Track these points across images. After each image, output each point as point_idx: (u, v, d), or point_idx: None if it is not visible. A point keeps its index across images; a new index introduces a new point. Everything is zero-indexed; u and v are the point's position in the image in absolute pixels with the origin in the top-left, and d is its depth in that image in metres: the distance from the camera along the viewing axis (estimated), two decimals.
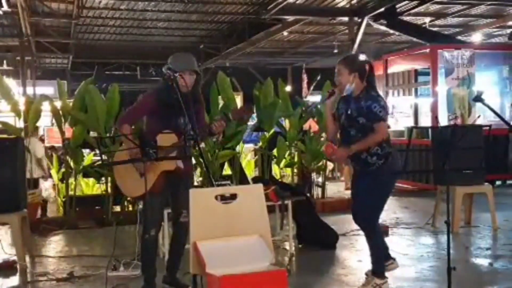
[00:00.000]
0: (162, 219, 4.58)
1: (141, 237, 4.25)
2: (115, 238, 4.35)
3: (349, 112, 4.18)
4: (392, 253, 4.47)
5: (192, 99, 4.14)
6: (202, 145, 4.48)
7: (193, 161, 7.52)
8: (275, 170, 8.77)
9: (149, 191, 3.97)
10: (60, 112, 7.49)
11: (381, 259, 4.26)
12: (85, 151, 8.27)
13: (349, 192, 4.96)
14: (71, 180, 7.50)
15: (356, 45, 10.81)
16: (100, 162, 3.65)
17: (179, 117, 4.20)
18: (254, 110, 8.02)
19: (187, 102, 4.04)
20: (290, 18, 11.51)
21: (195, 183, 7.75)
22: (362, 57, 4.65)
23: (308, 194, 7.41)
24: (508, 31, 13.21)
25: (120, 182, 4.35)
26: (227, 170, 8.16)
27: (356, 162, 4.25)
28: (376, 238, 4.26)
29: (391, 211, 7.85)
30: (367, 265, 4.46)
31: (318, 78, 15.87)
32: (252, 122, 8.89)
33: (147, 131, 4.33)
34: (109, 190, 7.37)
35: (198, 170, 7.66)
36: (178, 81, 4.13)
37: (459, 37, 13.18)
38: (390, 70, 11.86)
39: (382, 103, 4.10)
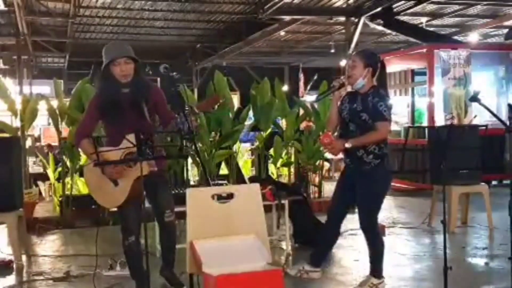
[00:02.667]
0: (141, 222, 4.08)
1: (122, 245, 4.09)
2: (97, 238, 4.26)
3: (354, 106, 4.14)
4: (389, 253, 4.47)
5: (139, 92, 3.91)
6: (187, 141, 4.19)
7: (190, 160, 7.56)
8: (272, 170, 8.76)
9: (125, 200, 3.84)
10: (57, 111, 7.46)
11: (380, 260, 4.25)
12: None
13: None
14: (68, 179, 7.49)
15: (353, 45, 10.81)
16: (96, 161, 3.58)
17: (133, 115, 3.90)
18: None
19: (132, 96, 3.86)
20: (287, 17, 11.52)
21: (192, 183, 7.79)
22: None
23: (304, 194, 7.40)
24: (505, 31, 13.21)
25: (94, 194, 4.08)
26: (223, 170, 8.15)
27: (351, 159, 4.21)
28: (376, 238, 4.25)
29: (387, 211, 7.86)
30: (364, 264, 4.46)
31: (315, 77, 15.90)
32: (249, 121, 8.88)
33: (106, 137, 4.07)
34: None
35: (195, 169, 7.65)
36: (114, 72, 3.90)
37: (455, 37, 13.19)
38: (387, 70, 11.82)
39: (388, 103, 4.08)
